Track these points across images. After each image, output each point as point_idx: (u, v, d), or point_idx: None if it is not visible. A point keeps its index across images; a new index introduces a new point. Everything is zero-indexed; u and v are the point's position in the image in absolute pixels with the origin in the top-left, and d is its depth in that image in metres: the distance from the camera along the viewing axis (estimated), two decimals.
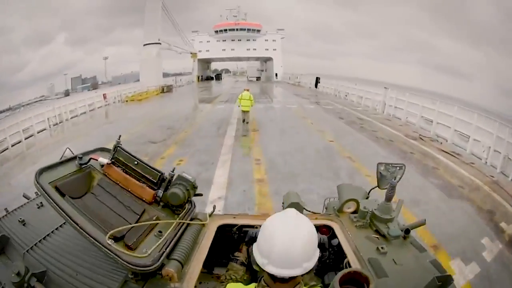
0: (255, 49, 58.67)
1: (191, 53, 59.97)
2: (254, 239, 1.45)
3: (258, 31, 63.75)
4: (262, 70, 68.21)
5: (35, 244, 2.09)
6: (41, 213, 2.51)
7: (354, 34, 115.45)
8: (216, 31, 61.26)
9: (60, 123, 15.97)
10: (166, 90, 32.42)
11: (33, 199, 2.76)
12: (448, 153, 9.53)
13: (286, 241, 1.28)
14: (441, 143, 10.76)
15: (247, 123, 13.02)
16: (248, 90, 12.74)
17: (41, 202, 2.59)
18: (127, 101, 23.23)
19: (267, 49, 59.54)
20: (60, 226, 2.27)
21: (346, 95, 23.18)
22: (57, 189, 2.02)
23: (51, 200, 1.86)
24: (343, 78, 29.23)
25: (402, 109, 14.96)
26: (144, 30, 37.00)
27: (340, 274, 1.31)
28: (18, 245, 2.10)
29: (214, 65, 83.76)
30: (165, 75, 45.71)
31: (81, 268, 1.91)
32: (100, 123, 16.13)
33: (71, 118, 17.28)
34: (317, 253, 1.36)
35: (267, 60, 62.72)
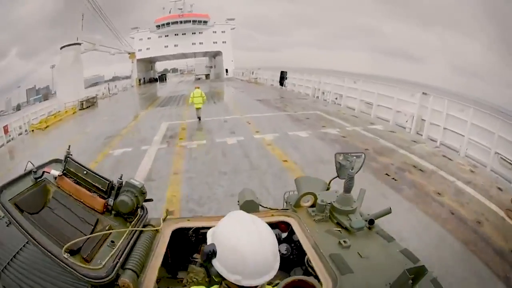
0: (202, 43, 52.67)
1: (128, 53, 49.49)
2: (212, 253, 1.37)
3: (205, 22, 59.24)
4: (211, 67, 60.82)
5: (8, 263, 2.14)
6: (10, 231, 2.40)
7: (295, 24, 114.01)
8: (158, 26, 54.22)
9: None
10: (86, 105, 26.59)
11: (2, 217, 2.66)
12: None
13: (258, 253, 1.29)
14: None
15: (199, 118, 14.51)
16: (198, 88, 14.50)
17: (9, 220, 2.40)
18: (32, 130, 18.54)
19: (215, 42, 53.61)
20: (27, 242, 2.28)
21: (336, 99, 17.56)
22: (16, 205, 2.04)
23: (12, 218, 1.91)
24: (308, 70, 26.26)
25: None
26: (63, 29, 31.18)
27: (282, 283, 1.35)
28: None
29: (161, 65, 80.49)
30: (95, 82, 45.20)
31: (49, 284, 1.96)
32: None
33: None
34: (277, 246, 1.38)
35: (215, 55, 58.04)
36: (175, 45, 54.01)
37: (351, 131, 10.89)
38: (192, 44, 54.39)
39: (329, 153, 6.89)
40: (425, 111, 10.59)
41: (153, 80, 64.24)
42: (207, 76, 64.12)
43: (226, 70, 52.92)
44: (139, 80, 56.63)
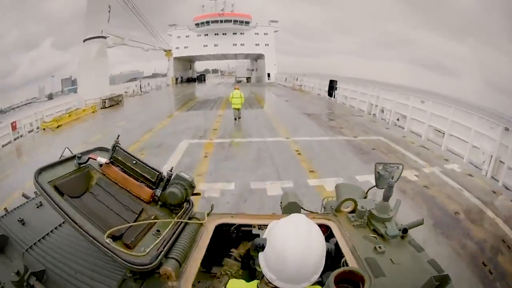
0: (243, 45, 49.19)
1: (164, 51, 53.36)
2: (261, 247, 1.47)
3: (247, 23, 56.35)
4: (253, 70, 56.95)
5: (34, 244, 2.21)
6: (40, 213, 2.64)
7: (332, 31, 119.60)
8: (197, 24, 51.00)
9: None
10: (108, 104, 24.15)
11: (32, 198, 2.89)
12: None
13: (300, 260, 1.34)
14: None
15: (239, 118, 15.18)
16: (238, 88, 14.84)
17: (40, 202, 2.72)
18: (44, 129, 16.46)
19: (258, 45, 49.78)
20: (59, 225, 2.42)
21: (398, 120, 14.43)
22: (56, 188, 2.14)
23: (50, 200, 1.98)
24: (355, 81, 23.70)
25: None
26: (85, 21, 28.06)
27: (335, 273, 1.41)
28: (17, 245, 2.21)
29: (201, 65, 79.79)
30: (133, 78, 45.70)
31: (80, 267, 2.02)
32: None
33: None
34: (323, 262, 1.43)
35: (257, 57, 56.55)
36: (215, 45, 51.16)
37: (430, 176, 8.16)
38: (233, 45, 51.40)
39: (421, 229, 3.05)
40: (504, 151, 8.38)
41: (191, 80, 62.98)
42: (248, 79, 62.30)
43: (268, 75, 49.96)
44: (176, 79, 55.62)
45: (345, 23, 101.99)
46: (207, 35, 53.04)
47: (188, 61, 62.35)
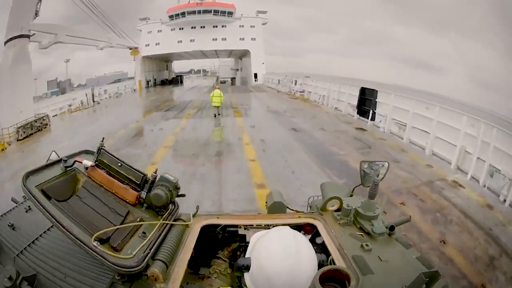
0: (225, 39, 40.89)
1: (130, 49, 46.56)
2: (246, 267, 1.56)
3: (230, 13, 49.49)
4: (237, 70, 48.26)
5: (25, 248, 2.35)
6: (30, 217, 2.80)
7: (307, 30, 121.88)
8: (171, 17, 43.27)
9: None
10: (25, 134, 17.00)
11: (21, 203, 3.04)
12: None
13: (289, 281, 1.42)
14: None
15: (218, 114, 18.15)
16: (219, 88, 18.01)
17: (29, 206, 2.90)
18: None
19: (243, 39, 41.98)
20: (48, 229, 2.58)
21: None
22: (43, 192, 2.27)
23: (38, 204, 2.10)
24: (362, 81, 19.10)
25: None
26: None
27: (320, 271, 1.45)
28: (8, 249, 2.34)
29: (185, 65, 74.94)
30: (117, 80, 46.39)
31: (70, 271, 2.15)
32: None
33: None
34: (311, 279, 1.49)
35: (242, 55, 44.49)
36: (190, 40, 43.60)
37: None
38: (213, 40, 43.32)
39: None
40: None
41: (166, 83, 57.18)
42: (233, 80, 57.09)
43: (255, 75, 43.59)
44: (147, 82, 49.70)
45: (319, 22, 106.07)
46: (182, 29, 45.86)
47: (163, 61, 57.86)
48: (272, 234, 1.58)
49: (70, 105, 26.11)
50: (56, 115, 23.26)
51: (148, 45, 47.76)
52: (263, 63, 45.75)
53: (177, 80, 59.01)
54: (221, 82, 52.01)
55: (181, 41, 48.18)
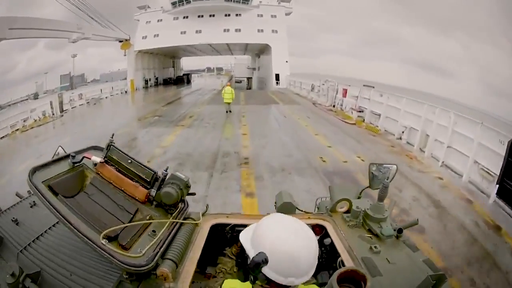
0: (239, 31, 29.25)
1: (119, 41, 36.95)
2: (265, 261, 1.49)
3: (246, 1, 39.61)
4: (254, 69, 38.76)
5: (29, 244, 2.37)
6: (34, 212, 2.84)
7: (316, 30, 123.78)
8: (174, 3, 31.98)
9: None
10: None
11: (26, 198, 3.08)
12: None
13: (307, 249, 1.49)
14: None
15: (230, 111, 18.86)
16: (229, 85, 19.30)
17: (33, 201, 2.96)
18: None
19: (261, 31, 29.74)
20: (53, 225, 2.63)
21: None
22: (50, 188, 2.31)
23: (44, 200, 2.11)
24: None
25: None
26: None
27: (337, 272, 1.51)
28: (11, 245, 2.35)
29: (197, 62, 68.70)
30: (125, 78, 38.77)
31: (75, 268, 2.16)
32: None
33: None
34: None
35: (261, 51, 33.76)
36: (197, 32, 34.11)
37: None
38: (224, 31, 33.40)
39: None
40: None
41: (170, 82, 48.59)
42: (249, 80, 47.65)
43: (277, 77, 33.15)
44: (146, 81, 42.32)
45: (327, 22, 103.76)
46: (187, 17, 38.07)
47: (168, 57, 49.29)
48: (265, 223, 1.59)
49: (24, 121, 18.93)
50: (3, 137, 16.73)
51: (146, 37, 40.91)
52: (287, 61, 36.53)
53: (182, 80, 52.44)
54: (236, 82, 47.09)
55: (184, 32, 42.32)
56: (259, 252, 1.42)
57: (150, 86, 44.52)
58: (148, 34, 41.57)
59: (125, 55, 38.53)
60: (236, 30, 40.25)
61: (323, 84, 23.00)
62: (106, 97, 31.81)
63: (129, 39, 38.33)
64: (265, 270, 1.45)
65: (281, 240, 1.44)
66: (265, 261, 1.41)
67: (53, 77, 45.80)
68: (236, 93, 22.13)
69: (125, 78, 41.08)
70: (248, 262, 1.51)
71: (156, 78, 47.61)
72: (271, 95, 30.92)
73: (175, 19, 41.30)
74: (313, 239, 1.52)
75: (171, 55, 50.47)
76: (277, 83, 37.21)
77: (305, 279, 1.48)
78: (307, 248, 1.46)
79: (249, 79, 50.30)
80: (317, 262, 1.52)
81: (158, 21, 42.28)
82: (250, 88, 46.95)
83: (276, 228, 1.50)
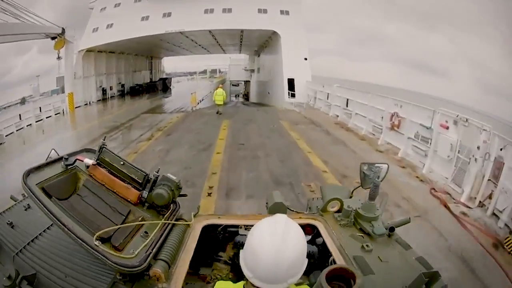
0: (229, 11, 13.51)
1: (52, 38, 23.51)
2: (242, 244, 2.05)
3: None
4: (253, 71, 23.43)
5: (24, 247, 2.49)
6: (29, 215, 2.97)
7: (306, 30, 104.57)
8: None
9: None
10: None
11: (20, 201, 3.24)
12: None
13: (272, 260, 1.49)
14: None
15: (220, 113, 20.98)
16: (221, 87, 21.05)
17: (28, 204, 3.12)
18: None
19: (264, 11, 13.40)
20: (48, 228, 2.80)
21: None
22: (43, 190, 2.43)
23: (38, 202, 2.22)
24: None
25: None
26: None
27: (326, 270, 1.58)
28: (7, 248, 2.45)
29: (196, 64, 65.59)
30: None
31: (70, 270, 2.27)
32: None
33: None
34: (304, 266, 1.67)
35: (262, 46, 20.51)
36: (164, 15, 19.90)
37: None
38: (205, 12, 19.16)
39: None
40: None
41: (138, 90, 37.98)
42: (246, 85, 37.13)
43: (290, 83, 16.56)
44: (104, 91, 31.60)
45: (311, 21, 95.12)
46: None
47: (144, 57, 37.16)
48: (269, 217, 1.67)
49: None
50: None
51: (96, 29, 30.20)
52: (306, 58, 23.37)
53: (155, 86, 41.21)
54: (233, 85, 39.89)
55: (147, 18, 29.65)
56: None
57: (111, 97, 34.60)
58: (100, 25, 32.97)
59: (58, 57, 25.15)
60: (224, 11, 27.24)
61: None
62: (17, 130, 17.62)
63: (63, 32, 24.43)
64: (240, 253, 1.60)
65: (257, 234, 1.55)
66: (241, 244, 1.79)
67: (51, 79, 40.95)
68: (219, 126, 15.32)
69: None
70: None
71: (122, 86, 37.58)
72: (284, 126, 15.17)
73: (137, 1, 28.86)
74: (286, 255, 1.50)
75: (147, 54, 39.47)
76: (289, 94, 24.13)
77: (262, 286, 1.46)
78: (269, 256, 1.48)
79: (246, 82, 40.09)
80: (285, 282, 1.49)
81: (115, 6, 33.11)
82: (247, 98, 38.36)
83: (264, 227, 1.57)
